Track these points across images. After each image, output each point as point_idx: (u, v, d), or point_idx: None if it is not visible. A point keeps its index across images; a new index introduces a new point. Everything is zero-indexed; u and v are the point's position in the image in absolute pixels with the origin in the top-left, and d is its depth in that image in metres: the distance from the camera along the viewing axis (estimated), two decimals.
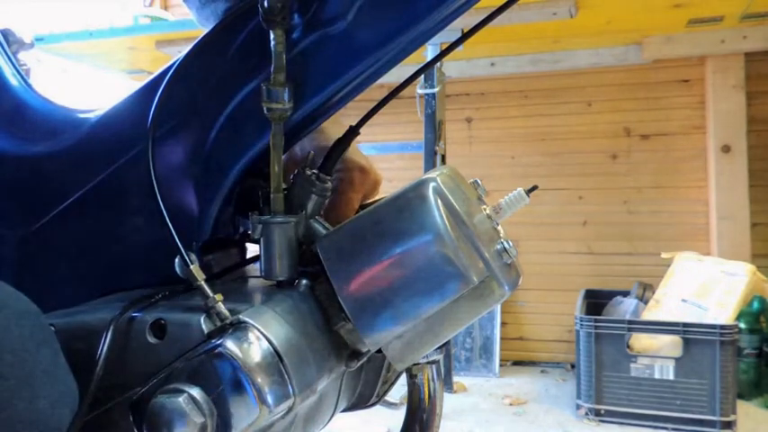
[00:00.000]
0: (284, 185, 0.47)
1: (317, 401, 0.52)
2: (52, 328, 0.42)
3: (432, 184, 0.43)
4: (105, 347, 0.42)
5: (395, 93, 0.53)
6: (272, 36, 0.45)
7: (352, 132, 0.54)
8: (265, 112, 0.45)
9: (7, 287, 0.40)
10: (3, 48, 0.63)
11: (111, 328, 0.42)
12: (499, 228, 0.46)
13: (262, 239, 0.46)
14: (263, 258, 0.46)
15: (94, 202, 0.55)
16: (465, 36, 0.52)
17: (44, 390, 0.38)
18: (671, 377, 2.06)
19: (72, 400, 0.40)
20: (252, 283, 0.52)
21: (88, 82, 3.06)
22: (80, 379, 0.41)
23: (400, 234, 0.42)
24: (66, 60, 2.81)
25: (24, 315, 0.39)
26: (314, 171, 0.50)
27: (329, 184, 0.50)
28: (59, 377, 0.40)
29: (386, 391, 0.67)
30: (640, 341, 2.15)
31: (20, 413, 0.37)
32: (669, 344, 2.07)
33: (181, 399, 0.37)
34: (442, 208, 0.42)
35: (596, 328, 2.15)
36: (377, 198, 0.59)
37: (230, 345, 0.38)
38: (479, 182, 0.48)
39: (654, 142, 2.75)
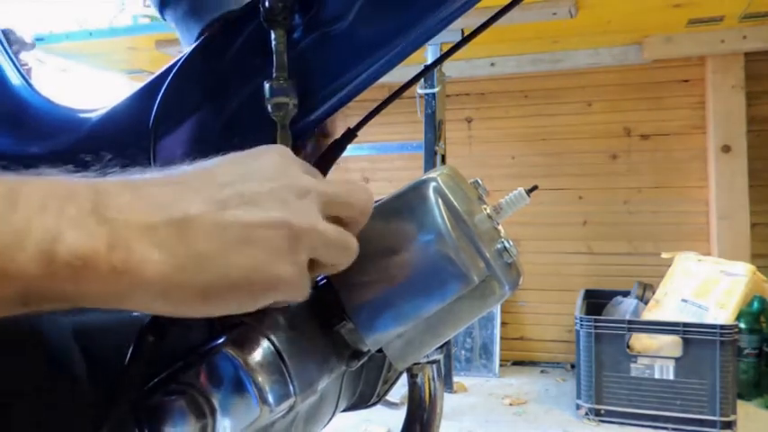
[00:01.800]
0: None
1: (318, 401, 0.52)
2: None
3: (432, 184, 0.43)
4: (131, 353, 0.41)
5: (395, 95, 0.53)
6: (272, 36, 0.45)
7: (351, 134, 0.54)
8: (270, 111, 0.45)
9: None
10: (4, 48, 0.63)
11: (143, 331, 0.42)
12: (500, 227, 0.46)
13: None
14: None
15: None
16: (468, 37, 0.52)
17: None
18: (671, 377, 2.06)
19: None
20: None
21: (88, 82, 3.06)
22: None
23: (400, 234, 0.42)
24: (66, 60, 2.81)
25: (42, 321, 0.40)
26: None
27: None
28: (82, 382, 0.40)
29: (386, 391, 0.67)
30: (640, 341, 2.15)
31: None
32: (669, 344, 2.07)
33: (182, 398, 0.37)
34: (442, 208, 0.42)
35: (596, 328, 2.16)
36: (376, 199, 0.59)
37: (231, 344, 0.38)
38: (480, 181, 0.48)
39: (654, 142, 2.75)
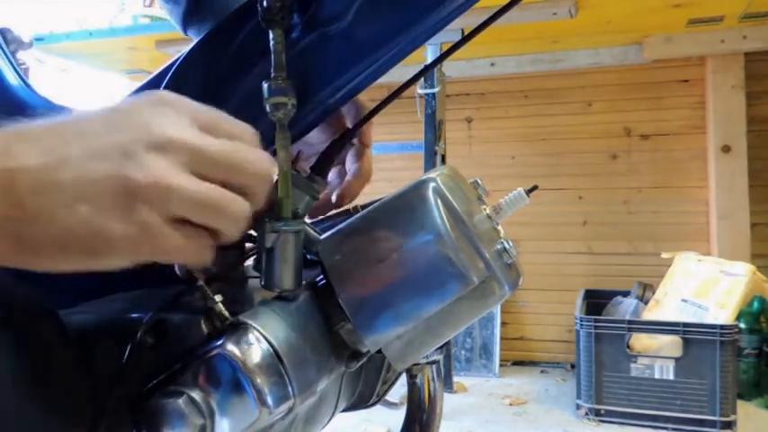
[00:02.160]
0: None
1: (317, 402, 0.52)
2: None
3: (432, 185, 0.43)
4: (129, 352, 0.41)
5: (394, 95, 0.52)
6: (271, 35, 0.44)
7: (350, 134, 0.54)
8: (268, 111, 0.45)
9: (27, 290, 0.40)
10: (1, 47, 0.63)
11: (141, 332, 0.42)
12: (499, 228, 0.46)
13: (276, 249, 0.43)
14: (269, 268, 0.44)
15: None
16: (468, 37, 0.52)
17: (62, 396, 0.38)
18: (671, 377, 2.06)
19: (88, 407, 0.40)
20: (252, 283, 0.52)
21: (88, 82, 3.06)
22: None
23: (400, 234, 0.42)
24: (66, 60, 2.81)
25: (45, 319, 0.39)
26: (306, 171, 0.49)
27: (320, 187, 0.50)
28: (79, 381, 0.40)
29: (386, 391, 0.67)
30: (640, 341, 2.15)
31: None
32: (669, 344, 2.07)
33: (180, 400, 0.37)
34: (442, 208, 0.42)
35: (596, 328, 2.15)
36: (376, 198, 0.59)
37: (230, 346, 0.38)
38: (479, 182, 0.48)
39: (654, 142, 2.75)
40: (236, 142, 0.35)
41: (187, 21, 0.60)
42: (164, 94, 0.35)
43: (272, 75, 0.44)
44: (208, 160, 0.33)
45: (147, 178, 0.31)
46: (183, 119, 0.34)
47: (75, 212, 0.31)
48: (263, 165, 0.36)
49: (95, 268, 0.32)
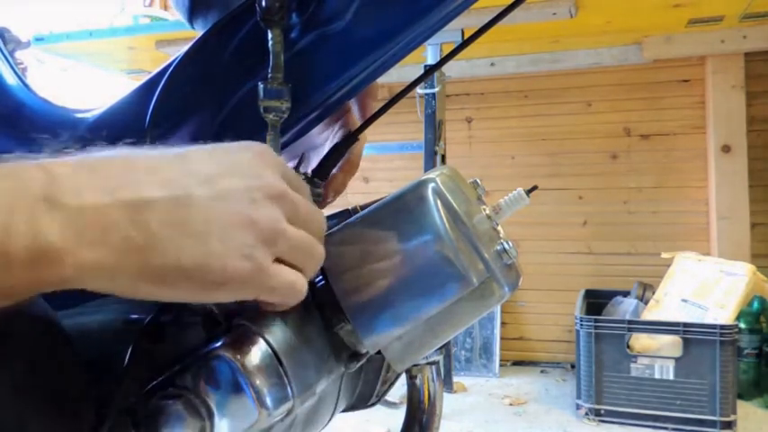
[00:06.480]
0: None
1: (317, 403, 0.52)
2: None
3: (431, 185, 0.42)
4: (129, 356, 0.41)
5: (397, 99, 0.52)
6: (269, 35, 0.44)
7: (351, 138, 0.53)
8: (262, 112, 0.45)
9: None
10: None
11: (141, 333, 0.42)
12: (499, 228, 0.46)
13: None
14: None
15: None
16: (472, 38, 0.51)
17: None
18: (671, 377, 2.06)
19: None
20: None
21: (88, 82, 3.06)
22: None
23: (399, 235, 0.42)
24: (67, 60, 2.81)
25: (43, 320, 0.39)
26: (306, 174, 0.49)
27: (322, 190, 0.50)
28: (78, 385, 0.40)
29: (385, 392, 0.66)
30: (640, 341, 2.14)
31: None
32: (669, 344, 2.07)
33: (179, 402, 0.37)
34: (441, 208, 0.41)
35: (596, 328, 2.15)
36: (376, 199, 0.59)
37: (229, 347, 0.38)
38: (479, 182, 0.48)
39: (654, 142, 2.75)
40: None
41: (193, 13, 0.59)
42: (260, 146, 0.38)
43: (270, 76, 0.44)
44: (301, 216, 0.37)
45: (268, 222, 0.34)
46: (277, 172, 0.37)
47: (203, 245, 0.32)
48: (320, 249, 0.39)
49: (204, 301, 0.35)
